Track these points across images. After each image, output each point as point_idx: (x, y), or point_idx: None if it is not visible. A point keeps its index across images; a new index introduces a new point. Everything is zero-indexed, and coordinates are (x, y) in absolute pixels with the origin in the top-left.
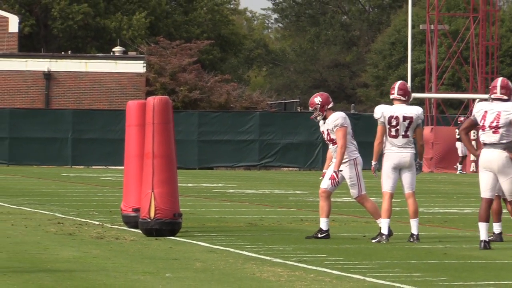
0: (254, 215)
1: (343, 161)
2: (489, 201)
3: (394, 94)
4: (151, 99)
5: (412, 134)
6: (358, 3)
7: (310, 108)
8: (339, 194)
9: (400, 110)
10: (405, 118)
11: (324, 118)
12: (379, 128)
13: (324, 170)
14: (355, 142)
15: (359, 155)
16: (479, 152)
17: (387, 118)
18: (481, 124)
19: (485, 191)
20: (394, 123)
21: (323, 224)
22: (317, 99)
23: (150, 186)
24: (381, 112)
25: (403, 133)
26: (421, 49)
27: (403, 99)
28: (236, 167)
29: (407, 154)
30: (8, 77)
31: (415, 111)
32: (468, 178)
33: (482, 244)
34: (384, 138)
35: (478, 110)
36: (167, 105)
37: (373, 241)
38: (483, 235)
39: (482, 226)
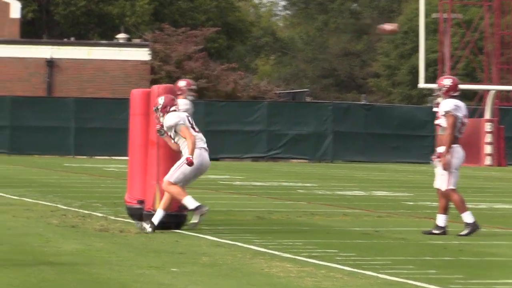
0: (263, 208)
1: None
2: None
3: None
4: (156, 88)
5: None
6: None
7: None
8: (349, 187)
9: None
10: None
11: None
12: None
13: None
14: None
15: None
16: None
17: None
18: None
19: None
20: None
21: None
22: (160, 99)
23: (155, 177)
24: None
25: None
26: (434, 39)
27: None
28: (243, 159)
29: None
30: (9, 64)
31: None
32: (483, 172)
33: None
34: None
35: None
36: (172, 94)
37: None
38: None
39: None
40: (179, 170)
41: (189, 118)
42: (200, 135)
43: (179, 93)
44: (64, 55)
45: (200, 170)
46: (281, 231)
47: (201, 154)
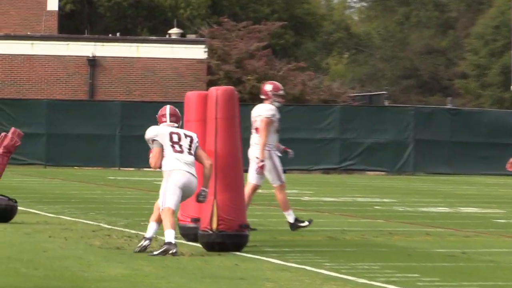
0: (334, 227)
1: None
2: None
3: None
4: (213, 90)
5: None
6: None
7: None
8: (433, 203)
9: None
10: None
11: None
12: None
13: None
14: None
15: None
16: None
17: None
18: None
19: None
20: None
21: None
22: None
23: (212, 192)
24: None
25: None
26: None
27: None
28: (312, 171)
29: None
30: (46, 64)
31: None
32: None
33: None
34: None
35: None
36: (232, 97)
37: None
38: None
39: None
40: (168, 193)
41: (175, 134)
42: (182, 156)
43: (264, 97)
44: (108, 52)
45: (183, 191)
46: (355, 253)
47: (184, 174)
